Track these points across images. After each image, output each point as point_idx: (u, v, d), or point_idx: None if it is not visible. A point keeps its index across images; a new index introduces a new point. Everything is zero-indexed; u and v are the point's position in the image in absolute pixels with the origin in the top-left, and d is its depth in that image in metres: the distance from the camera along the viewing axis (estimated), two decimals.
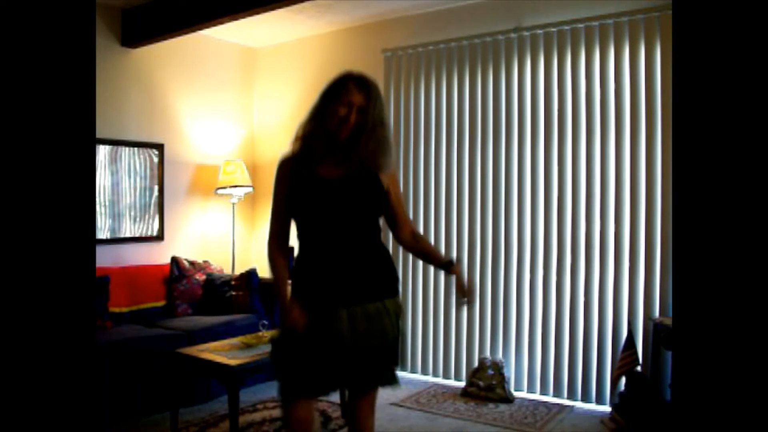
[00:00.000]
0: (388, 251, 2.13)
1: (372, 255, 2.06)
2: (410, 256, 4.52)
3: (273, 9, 3.86)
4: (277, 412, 3.69)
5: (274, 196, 2.10)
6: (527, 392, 4.05)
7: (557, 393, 3.95)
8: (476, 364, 4.14)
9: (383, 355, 2.03)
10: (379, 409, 3.87)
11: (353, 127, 1.97)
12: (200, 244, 5.05)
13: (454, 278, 2.16)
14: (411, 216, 4.54)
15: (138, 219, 4.64)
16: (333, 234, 1.99)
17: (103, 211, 4.41)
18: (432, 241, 4.44)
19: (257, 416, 3.63)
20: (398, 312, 2.08)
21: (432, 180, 4.46)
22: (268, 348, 3.33)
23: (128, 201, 4.57)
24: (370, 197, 2.04)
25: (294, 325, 1.96)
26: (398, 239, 2.22)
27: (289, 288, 2.09)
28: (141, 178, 4.65)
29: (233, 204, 5.12)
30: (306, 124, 2.07)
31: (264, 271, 4.92)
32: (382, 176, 2.06)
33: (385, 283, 2.07)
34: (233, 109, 5.40)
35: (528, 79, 4.09)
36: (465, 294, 2.14)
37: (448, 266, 2.19)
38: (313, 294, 1.99)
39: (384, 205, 2.09)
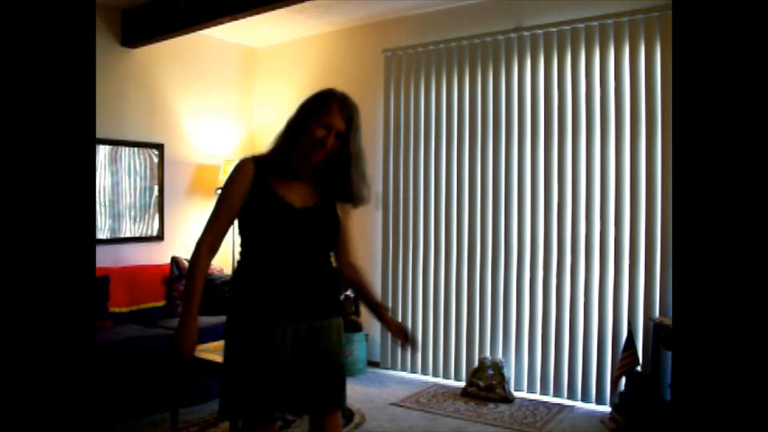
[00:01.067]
0: (334, 271, 2.06)
1: (321, 275, 1.98)
2: (410, 257, 4.53)
3: (273, 9, 3.86)
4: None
5: (224, 199, 1.95)
6: (527, 392, 4.05)
7: (557, 393, 3.95)
8: (476, 364, 4.14)
9: (331, 372, 1.97)
10: (379, 409, 3.89)
11: (328, 151, 1.88)
12: None
13: (386, 324, 2.09)
14: (411, 216, 4.55)
15: (138, 219, 4.64)
16: (288, 256, 1.91)
17: (103, 211, 4.41)
18: (432, 242, 4.45)
19: None
20: (341, 330, 2.04)
21: (432, 180, 4.46)
22: None
23: (128, 201, 4.57)
24: (330, 230, 1.98)
25: (184, 348, 1.92)
26: (339, 265, 2.12)
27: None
28: (141, 178, 4.65)
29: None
30: (280, 138, 1.96)
31: None
32: (339, 206, 1.99)
33: (330, 302, 2.01)
34: (233, 109, 5.40)
35: (528, 79, 4.09)
36: (404, 338, 2.05)
37: (379, 309, 2.09)
38: (259, 307, 1.90)
39: (338, 232, 2.02)
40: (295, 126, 1.93)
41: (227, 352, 1.97)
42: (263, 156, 1.97)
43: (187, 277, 1.98)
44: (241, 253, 2.00)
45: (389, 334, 2.14)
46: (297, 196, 1.93)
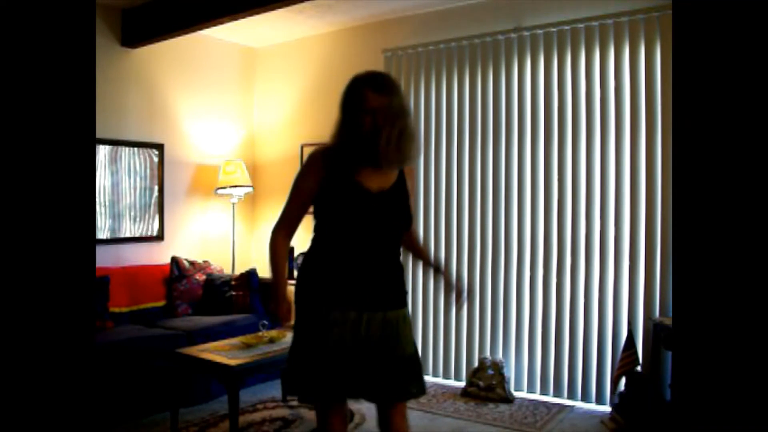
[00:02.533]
0: (401, 264, 2.13)
1: (392, 265, 2.06)
2: (410, 255, 4.52)
3: (273, 9, 3.86)
4: (277, 412, 3.69)
5: (298, 185, 2.05)
6: (527, 392, 4.05)
7: (557, 393, 3.95)
8: (476, 364, 4.14)
9: (404, 364, 2.02)
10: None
11: (382, 128, 1.93)
12: (200, 244, 5.05)
13: (442, 281, 2.20)
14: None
15: (138, 219, 4.64)
16: (363, 242, 1.98)
17: (103, 211, 4.41)
18: (432, 242, 4.45)
19: (257, 416, 3.63)
20: (409, 320, 2.11)
21: (432, 180, 4.46)
22: (268, 348, 3.34)
23: (128, 201, 4.57)
24: (405, 215, 2.06)
25: (281, 314, 2.02)
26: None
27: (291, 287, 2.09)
28: (141, 178, 4.65)
29: (233, 204, 5.12)
30: (336, 137, 2.03)
31: (264, 272, 4.92)
32: (408, 179, 2.07)
33: (401, 293, 2.09)
34: (233, 109, 5.40)
35: (528, 79, 4.09)
36: (457, 293, 2.17)
37: (438, 268, 2.26)
38: (334, 295, 1.97)
39: (410, 216, 2.10)
40: (344, 124, 2.00)
41: (300, 337, 2.02)
42: (330, 147, 2.04)
43: (270, 262, 2.09)
44: (314, 239, 2.07)
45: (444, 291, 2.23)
46: (373, 180, 1.99)
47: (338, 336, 1.94)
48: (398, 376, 2.01)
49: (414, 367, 2.06)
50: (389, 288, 2.03)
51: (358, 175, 1.98)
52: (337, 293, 1.97)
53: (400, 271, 2.10)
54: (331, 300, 1.96)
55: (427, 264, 2.31)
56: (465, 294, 2.20)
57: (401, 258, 2.12)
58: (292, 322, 2.12)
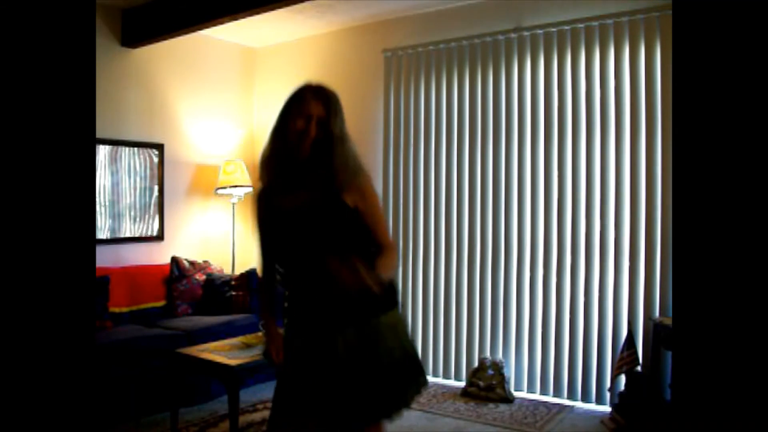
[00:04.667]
0: (362, 265, 1.85)
1: (353, 274, 1.80)
2: (410, 256, 4.52)
3: (273, 9, 3.86)
4: None
5: (257, 232, 2.06)
6: (527, 392, 4.05)
7: (557, 393, 3.95)
8: (476, 364, 4.14)
9: (390, 374, 1.88)
10: None
11: (314, 141, 1.84)
12: (200, 244, 5.05)
13: None
14: (411, 216, 4.54)
15: (138, 219, 4.64)
16: (297, 262, 1.90)
17: (103, 211, 4.41)
18: (432, 242, 4.45)
19: (257, 416, 3.63)
20: (397, 325, 1.95)
21: (432, 180, 4.46)
22: None
23: (128, 201, 4.57)
24: (333, 222, 1.87)
25: (272, 353, 2.03)
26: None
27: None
28: (141, 178, 4.65)
29: (233, 204, 5.12)
30: (266, 146, 1.95)
31: None
32: (346, 196, 1.87)
33: (369, 302, 1.86)
34: (233, 109, 5.40)
35: (528, 79, 4.09)
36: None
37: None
38: (305, 321, 1.93)
39: (354, 223, 1.88)
40: (278, 127, 1.92)
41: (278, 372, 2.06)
42: (262, 179, 2.00)
43: (260, 311, 2.17)
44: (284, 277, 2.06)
45: None
46: (291, 198, 1.90)
47: (305, 361, 1.91)
48: (376, 390, 1.87)
49: (385, 379, 1.89)
50: (348, 302, 1.85)
51: (279, 196, 1.92)
52: (298, 319, 1.95)
53: (367, 274, 1.81)
54: (295, 326, 1.96)
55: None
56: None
57: (364, 261, 1.85)
58: None
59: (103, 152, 4.39)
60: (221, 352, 3.23)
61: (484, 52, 4.25)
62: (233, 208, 5.13)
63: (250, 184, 5.07)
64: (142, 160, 4.66)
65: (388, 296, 1.92)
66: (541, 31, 4.01)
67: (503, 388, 3.91)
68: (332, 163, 1.85)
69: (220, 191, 4.99)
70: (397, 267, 2.04)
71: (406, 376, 1.94)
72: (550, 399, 3.95)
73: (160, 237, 4.77)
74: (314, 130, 1.85)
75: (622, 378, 3.53)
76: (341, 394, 1.86)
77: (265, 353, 2.08)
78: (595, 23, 3.80)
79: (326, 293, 1.87)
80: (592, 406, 3.80)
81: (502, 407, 3.80)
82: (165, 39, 4.43)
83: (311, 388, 1.89)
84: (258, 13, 3.87)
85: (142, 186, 4.66)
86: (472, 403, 3.87)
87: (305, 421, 1.92)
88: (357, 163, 1.91)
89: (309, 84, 1.93)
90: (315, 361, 1.89)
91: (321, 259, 1.85)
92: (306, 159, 1.87)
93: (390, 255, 1.92)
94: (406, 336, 2.00)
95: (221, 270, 4.83)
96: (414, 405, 3.77)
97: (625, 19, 3.69)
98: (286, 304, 2.03)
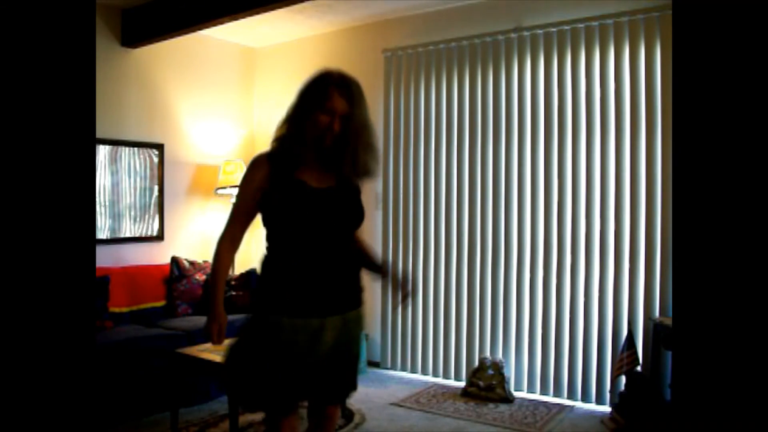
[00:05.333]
0: (359, 259, 2.05)
1: (349, 265, 1.97)
2: (410, 257, 4.53)
3: (273, 9, 3.86)
4: None
5: (241, 195, 1.97)
6: (527, 392, 4.05)
7: (557, 393, 3.94)
8: (476, 364, 4.14)
9: (353, 363, 2.04)
10: (379, 409, 3.88)
11: (338, 134, 1.87)
12: (200, 244, 5.05)
13: (389, 280, 2.08)
14: (411, 216, 4.55)
15: (138, 219, 4.64)
16: (316, 243, 1.88)
17: (103, 211, 4.41)
18: (432, 242, 4.45)
19: (257, 416, 3.63)
20: (363, 321, 2.07)
21: (432, 180, 4.46)
22: None
23: (128, 201, 4.57)
24: (355, 211, 1.97)
25: (212, 334, 1.95)
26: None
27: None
28: (141, 178, 4.65)
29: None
30: (284, 127, 1.96)
31: None
32: (362, 186, 2.00)
33: (358, 292, 2.01)
34: (233, 109, 5.40)
35: (528, 79, 4.09)
36: (403, 293, 2.05)
37: (381, 270, 2.12)
38: (295, 302, 1.87)
39: (362, 216, 1.99)
40: (298, 114, 1.92)
41: (250, 345, 1.92)
42: (273, 150, 1.97)
43: (211, 272, 2.05)
44: (267, 248, 1.97)
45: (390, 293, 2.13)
46: (319, 180, 1.92)
47: (300, 345, 1.86)
48: (347, 375, 2.02)
49: (355, 366, 2.07)
50: (347, 289, 1.96)
51: (301, 173, 1.91)
52: (297, 301, 1.87)
53: (358, 269, 2.01)
54: (291, 308, 1.87)
55: (373, 266, 2.12)
56: (410, 292, 2.07)
57: (356, 258, 2.03)
58: (225, 342, 2.05)
59: (103, 152, 4.39)
60: (221, 352, 3.23)
61: (484, 52, 4.25)
62: None
63: None
64: (142, 160, 4.66)
65: (362, 292, 2.04)
66: (541, 31, 4.01)
67: (503, 388, 3.91)
68: (355, 152, 1.88)
69: (220, 191, 4.99)
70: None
71: (355, 368, 2.07)
72: (550, 399, 3.95)
73: (160, 237, 4.77)
74: (338, 126, 1.87)
75: (622, 378, 3.53)
76: (321, 376, 1.93)
77: (206, 330, 1.98)
78: (595, 23, 3.80)
79: (336, 274, 1.92)
80: (592, 406, 3.80)
81: (502, 407, 3.80)
82: (165, 39, 4.43)
83: (302, 371, 1.89)
84: (258, 13, 3.87)
85: (142, 186, 4.66)
86: (472, 403, 3.87)
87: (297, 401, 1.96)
88: (376, 155, 1.96)
89: (330, 74, 1.91)
90: (305, 344, 1.87)
91: (340, 241, 1.93)
92: (329, 148, 1.89)
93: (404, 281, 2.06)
94: (360, 337, 2.10)
95: None
96: (414, 405, 3.79)
97: (625, 19, 3.69)
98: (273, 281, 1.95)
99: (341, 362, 1.97)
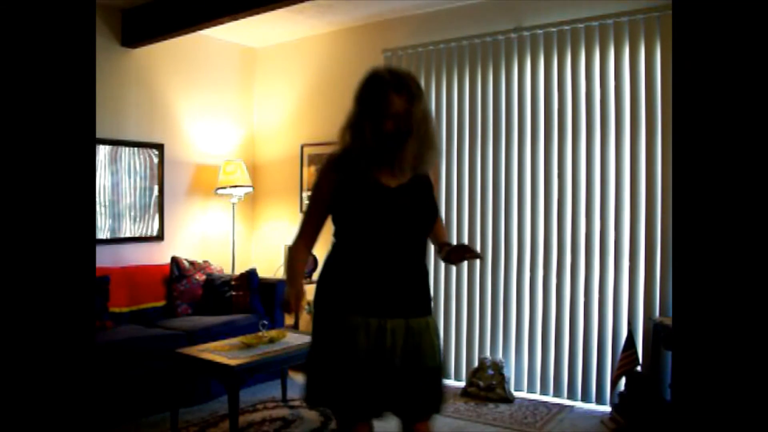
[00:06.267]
0: (427, 269, 2.04)
1: (417, 268, 1.96)
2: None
3: (273, 9, 3.86)
4: (277, 412, 3.69)
5: (315, 195, 1.99)
6: (527, 392, 4.05)
7: (557, 393, 3.95)
8: (476, 364, 4.14)
9: (426, 377, 1.91)
10: None
11: (403, 132, 1.87)
12: (200, 244, 5.05)
13: (452, 252, 2.02)
14: None
15: (138, 219, 4.64)
16: (384, 240, 1.88)
17: (103, 211, 4.41)
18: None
19: (257, 416, 3.63)
20: (437, 331, 1.99)
21: None
22: (268, 348, 3.34)
23: (128, 201, 4.57)
24: (426, 208, 1.95)
25: (289, 301, 1.94)
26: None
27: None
28: (141, 178, 4.65)
29: (233, 204, 5.12)
30: (347, 134, 1.94)
31: (264, 272, 4.92)
32: (433, 181, 1.99)
33: (426, 299, 1.98)
34: (233, 109, 5.40)
35: (528, 79, 4.09)
36: (466, 250, 1.98)
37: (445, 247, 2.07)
38: (355, 300, 1.87)
39: (435, 214, 1.99)
40: (360, 122, 1.90)
41: (319, 346, 1.93)
42: (342, 155, 1.96)
43: (287, 266, 2.07)
44: (334, 245, 1.99)
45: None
46: (386, 177, 1.91)
47: (360, 345, 1.83)
48: (426, 388, 1.91)
49: (435, 381, 1.94)
50: (412, 293, 1.92)
51: (374, 173, 1.91)
52: (357, 298, 1.87)
53: (425, 275, 1.99)
54: (352, 305, 1.86)
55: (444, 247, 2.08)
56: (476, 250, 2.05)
57: (426, 261, 2.02)
58: (303, 316, 2.08)
59: (103, 152, 4.40)
60: (221, 352, 3.23)
61: (484, 52, 4.25)
62: (233, 208, 5.13)
63: (250, 184, 5.08)
64: (142, 160, 4.66)
65: (430, 299, 2.00)
66: (541, 31, 4.01)
67: (503, 388, 3.91)
68: (415, 146, 1.88)
69: (220, 191, 4.99)
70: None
71: (437, 385, 1.96)
72: (550, 399, 3.95)
73: (160, 237, 4.77)
74: (403, 126, 1.86)
75: (622, 378, 3.53)
76: (396, 387, 1.87)
77: (285, 297, 1.98)
78: (595, 23, 3.80)
79: (400, 276, 1.90)
80: (592, 406, 3.80)
81: (502, 407, 3.80)
82: (165, 39, 4.43)
83: (367, 374, 1.85)
84: (258, 13, 3.87)
85: (142, 186, 4.66)
86: (472, 403, 3.87)
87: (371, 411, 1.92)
88: (435, 144, 1.95)
89: (383, 75, 1.89)
90: (366, 345, 1.85)
91: (409, 242, 1.92)
92: (395, 145, 1.88)
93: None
94: (438, 347, 1.99)
95: (221, 270, 4.83)
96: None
97: (625, 19, 3.69)
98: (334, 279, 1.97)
99: (415, 373, 1.88)
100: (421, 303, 1.94)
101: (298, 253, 2.02)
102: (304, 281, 2.10)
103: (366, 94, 1.90)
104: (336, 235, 1.99)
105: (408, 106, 1.85)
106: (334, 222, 1.98)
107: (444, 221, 4.39)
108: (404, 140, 1.87)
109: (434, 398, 1.95)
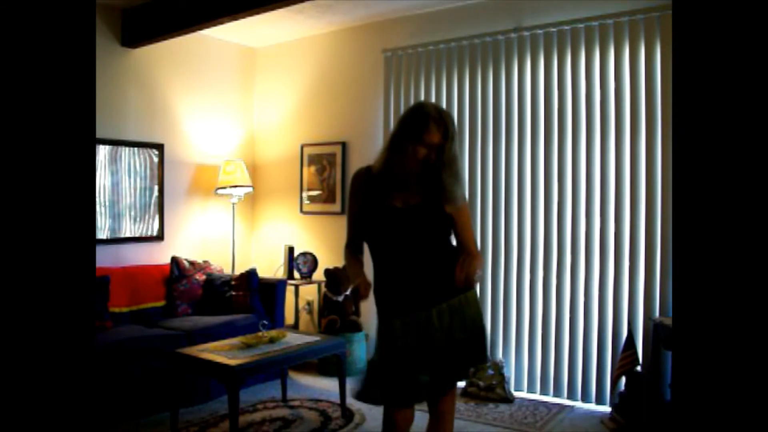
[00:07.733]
0: (449, 255, 2.18)
1: (436, 265, 2.15)
2: None
3: (273, 9, 3.86)
4: (277, 412, 3.69)
5: (349, 207, 2.30)
6: (527, 392, 4.05)
7: (557, 393, 3.95)
8: None
9: (472, 343, 2.17)
10: (379, 409, 3.86)
11: (433, 163, 2.09)
12: (200, 244, 5.05)
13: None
14: None
15: (138, 219, 4.64)
16: (399, 255, 2.14)
17: (103, 211, 4.41)
18: None
19: (257, 416, 3.63)
20: (476, 300, 2.22)
21: None
22: (268, 348, 3.34)
23: (128, 201, 4.57)
24: (432, 224, 2.15)
25: (360, 288, 2.13)
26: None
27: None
28: (141, 178, 4.65)
29: (233, 204, 5.12)
30: (385, 152, 2.16)
31: (264, 272, 4.92)
32: (447, 207, 2.16)
33: (450, 285, 2.14)
34: (233, 109, 5.40)
35: (528, 79, 4.09)
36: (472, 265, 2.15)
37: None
38: (401, 302, 2.14)
39: (447, 226, 2.18)
40: (398, 143, 2.12)
41: (378, 346, 2.22)
42: (374, 171, 2.19)
43: (347, 265, 2.31)
44: (373, 263, 2.24)
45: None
46: (402, 199, 2.15)
47: (405, 341, 2.11)
48: (463, 356, 2.17)
49: (477, 337, 2.19)
50: (434, 288, 2.14)
51: (391, 196, 2.14)
52: (390, 303, 2.17)
53: (448, 264, 2.13)
54: (388, 309, 2.18)
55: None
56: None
57: (447, 250, 2.20)
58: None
59: (103, 152, 4.40)
60: (221, 352, 3.23)
61: (484, 52, 4.25)
62: (233, 208, 5.14)
63: (250, 184, 5.08)
64: (142, 160, 4.66)
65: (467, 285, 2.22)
66: (541, 31, 4.01)
67: (503, 388, 3.91)
68: (442, 181, 2.11)
69: (220, 191, 5.00)
70: (480, 272, 2.18)
71: (476, 347, 2.21)
72: (550, 399, 3.95)
73: (160, 237, 4.78)
74: (434, 157, 2.09)
75: (622, 378, 3.53)
76: (440, 356, 2.13)
77: (354, 290, 2.17)
78: (595, 23, 3.80)
79: (420, 278, 2.13)
80: (592, 406, 3.81)
81: (502, 407, 3.80)
82: (165, 39, 4.43)
83: (418, 360, 2.11)
84: (258, 13, 3.87)
85: (142, 186, 4.66)
86: (472, 403, 3.87)
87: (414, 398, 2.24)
88: (461, 182, 2.18)
89: (428, 109, 2.11)
90: (417, 335, 2.11)
91: (420, 247, 2.15)
92: (419, 172, 2.12)
93: (472, 258, 2.13)
94: (480, 312, 2.26)
95: (221, 270, 4.83)
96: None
97: (625, 19, 3.69)
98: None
99: (454, 346, 2.13)
100: (445, 290, 2.14)
101: (348, 249, 2.30)
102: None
103: (409, 119, 2.12)
104: (370, 252, 2.26)
105: (443, 141, 2.07)
106: (363, 237, 2.28)
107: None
108: (434, 172, 2.09)
109: (478, 353, 2.21)
